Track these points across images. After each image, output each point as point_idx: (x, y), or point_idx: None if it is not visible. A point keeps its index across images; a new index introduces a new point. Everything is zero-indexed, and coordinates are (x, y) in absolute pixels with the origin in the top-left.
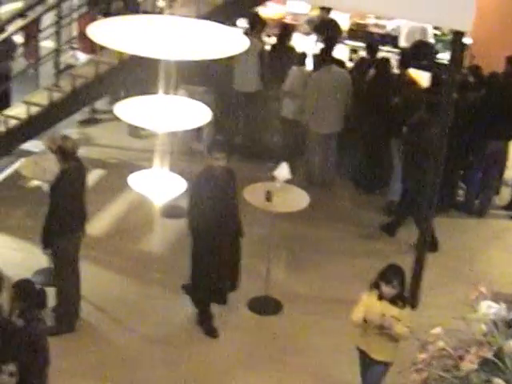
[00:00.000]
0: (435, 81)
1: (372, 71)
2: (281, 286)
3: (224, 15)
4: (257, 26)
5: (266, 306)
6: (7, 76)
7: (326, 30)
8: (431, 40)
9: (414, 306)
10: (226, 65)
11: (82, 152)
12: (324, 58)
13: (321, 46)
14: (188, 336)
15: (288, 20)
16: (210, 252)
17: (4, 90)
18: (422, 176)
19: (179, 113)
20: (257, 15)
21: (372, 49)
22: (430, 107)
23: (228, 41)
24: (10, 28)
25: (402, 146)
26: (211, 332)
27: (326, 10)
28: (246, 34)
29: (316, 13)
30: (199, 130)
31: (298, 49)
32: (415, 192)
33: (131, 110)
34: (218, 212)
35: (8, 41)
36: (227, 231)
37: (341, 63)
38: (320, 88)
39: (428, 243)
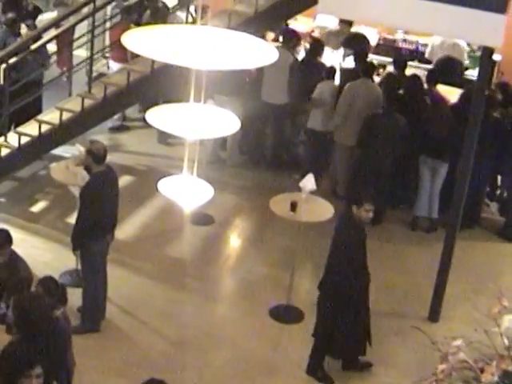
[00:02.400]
0: (465, 97)
1: (402, 89)
2: (303, 295)
3: (254, 27)
4: (289, 39)
5: (287, 314)
6: (39, 83)
7: (356, 44)
8: (465, 56)
9: (435, 319)
10: (256, 76)
11: (112, 158)
12: (358, 72)
13: (349, 60)
14: (211, 340)
15: (316, 34)
16: (351, 306)
17: (37, 97)
18: None
19: (208, 121)
20: (289, 28)
21: (400, 64)
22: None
23: (257, 52)
24: (45, 37)
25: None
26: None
27: (348, 23)
28: (277, 46)
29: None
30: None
31: (327, 62)
32: None
33: (162, 117)
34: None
35: (40, 50)
36: (365, 283)
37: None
38: (353, 100)
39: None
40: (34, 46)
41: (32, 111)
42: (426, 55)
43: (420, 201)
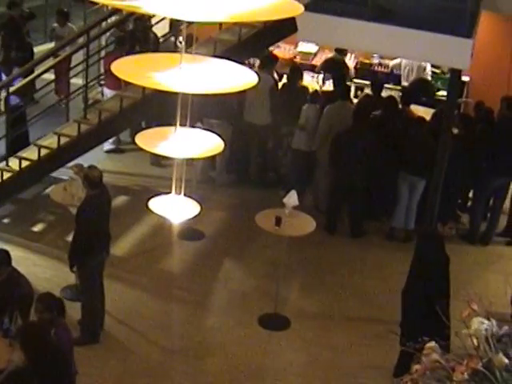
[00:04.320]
0: (437, 117)
1: (379, 111)
2: (290, 303)
3: (238, 54)
4: (267, 63)
5: (275, 322)
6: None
7: (335, 68)
8: (429, 78)
9: None
10: (240, 99)
11: (108, 179)
12: (337, 95)
13: (329, 83)
14: (204, 348)
15: (298, 59)
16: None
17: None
18: None
19: (195, 143)
20: (268, 53)
21: (376, 87)
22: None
23: (238, 77)
24: (42, 67)
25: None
26: None
27: (344, 52)
28: (257, 70)
29: (322, 52)
30: (215, 159)
31: (311, 87)
32: None
33: (151, 139)
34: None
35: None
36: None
37: (350, 100)
38: (332, 121)
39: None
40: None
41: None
42: (403, 80)
43: (397, 214)
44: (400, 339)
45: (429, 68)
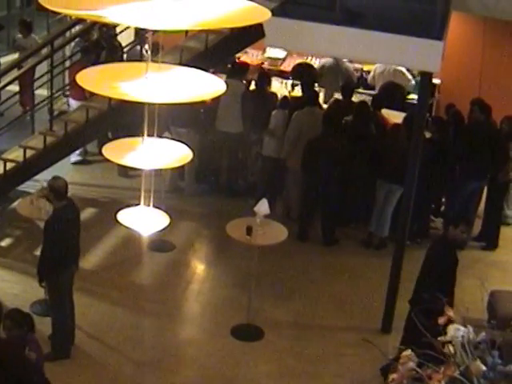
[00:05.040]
0: (408, 120)
1: (349, 117)
2: (262, 313)
3: (206, 62)
4: (238, 70)
5: (248, 333)
6: None
7: (303, 73)
8: (408, 81)
9: (387, 330)
10: (210, 107)
11: (75, 191)
12: (306, 100)
13: (297, 88)
14: (177, 361)
15: (267, 65)
16: None
17: None
18: None
19: (163, 153)
20: (237, 60)
21: (346, 91)
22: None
23: (206, 85)
24: (6, 79)
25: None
26: None
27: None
28: (227, 77)
29: (291, 58)
30: (183, 169)
31: (280, 92)
32: None
33: (118, 150)
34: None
35: None
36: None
37: (319, 105)
38: (301, 128)
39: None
40: None
41: None
42: (368, 81)
43: (373, 219)
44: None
45: (405, 72)
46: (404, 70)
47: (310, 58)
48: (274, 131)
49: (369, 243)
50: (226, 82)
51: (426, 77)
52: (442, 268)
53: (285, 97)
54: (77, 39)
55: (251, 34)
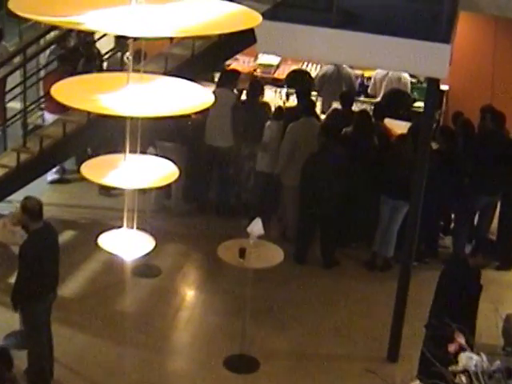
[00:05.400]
0: (414, 131)
1: (350, 128)
2: (258, 343)
3: (192, 70)
4: (229, 79)
5: (242, 364)
6: None
7: (299, 81)
8: (408, 88)
9: (394, 359)
10: (197, 120)
11: (52, 213)
12: (301, 110)
13: (292, 98)
14: None
15: (259, 73)
16: None
17: None
18: None
19: (147, 171)
20: (228, 68)
21: (346, 100)
22: None
23: (192, 96)
24: None
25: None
26: None
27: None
28: (217, 87)
29: (285, 64)
30: (170, 187)
31: (274, 102)
32: None
33: (98, 169)
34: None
35: None
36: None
37: (316, 116)
38: (296, 140)
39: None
40: None
41: None
42: (369, 90)
43: (377, 238)
44: None
45: (407, 78)
46: (406, 75)
47: (305, 64)
48: (267, 144)
49: (372, 264)
50: (215, 91)
51: (432, 83)
52: (466, 294)
53: (279, 107)
54: (52, 46)
55: (241, 40)
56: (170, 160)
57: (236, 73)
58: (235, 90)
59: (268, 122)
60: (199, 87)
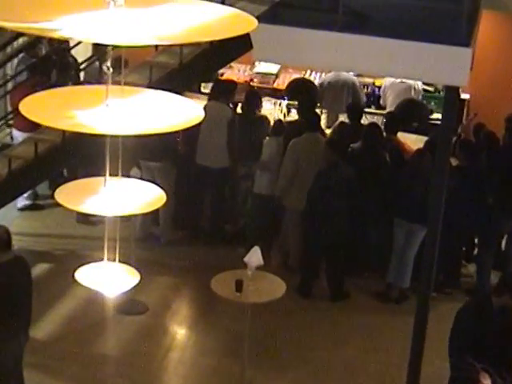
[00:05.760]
0: (431, 145)
1: (358, 143)
2: None
3: (181, 80)
4: (222, 91)
5: None
6: None
7: (301, 92)
8: (420, 98)
9: None
10: (188, 137)
11: (23, 244)
12: (304, 125)
13: (294, 111)
14: None
15: (256, 83)
16: None
17: None
18: None
19: (131, 195)
20: (221, 78)
21: (354, 112)
22: None
23: (180, 111)
24: None
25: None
26: None
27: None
28: (209, 100)
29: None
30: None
31: (273, 116)
32: None
33: (75, 194)
34: None
35: None
36: None
37: (321, 131)
38: (299, 158)
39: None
40: None
41: None
42: (381, 101)
43: (391, 266)
44: None
45: (420, 86)
46: (419, 83)
47: (308, 72)
48: (266, 163)
49: (386, 296)
50: (207, 105)
51: (451, 92)
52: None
53: (279, 121)
54: (20, 55)
55: (236, 46)
56: (157, 182)
57: (232, 84)
58: (230, 103)
59: (267, 138)
60: (188, 101)
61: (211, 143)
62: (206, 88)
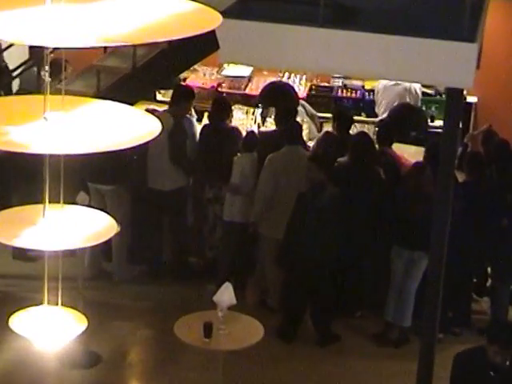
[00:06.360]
0: (432, 157)
1: (346, 157)
2: None
3: (135, 88)
4: (181, 101)
5: None
6: None
7: (278, 98)
8: (418, 103)
9: None
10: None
11: None
12: (283, 137)
13: (270, 120)
14: None
15: (225, 88)
16: None
17: None
18: None
19: (75, 225)
20: (180, 85)
21: (341, 120)
22: None
23: (132, 126)
24: None
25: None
26: None
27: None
28: (166, 111)
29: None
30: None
31: (245, 127)
32: None
33: (8, 226)
34: None
35: None
36: None
37: (302, 143)
38: (278, 177)
39: None
40: None
41: None
42: (376, 108)
43: (389, 302)
44: None
45: (417, 89)
46: (417, 86)
47: (286, 75)
48: (238, 184)
49: (384, 338)
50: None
51: (454, 95)
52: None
53: (252, 133)
54: None
55: (200, 46)
56: (108, 208)
57: (190, 92)
58: (193, 112)
59: (237, 155)
60: (141, 112)
61: (159, 162)
62: (166, 96)
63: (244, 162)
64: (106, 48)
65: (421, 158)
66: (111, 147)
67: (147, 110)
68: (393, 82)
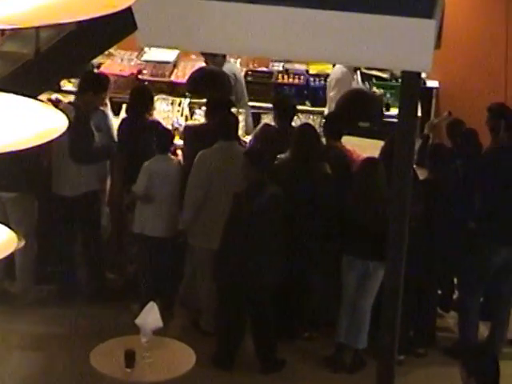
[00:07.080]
0: (389, 151)
1: (285, 154)
2: None
3: (38, 77)
4: (88, 90)
5: None
6: None
7: (209, 86)
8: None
9: None
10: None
11: None
12: (215, 131)
13: (200, 112)
14: None
15: (146, 76)
16: None
17: None
18: None
19: None
20: (91, 72)
21: (283, 110)
22: None
23: (34, 121)
24: None
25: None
26: None
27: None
28: (70, 103)
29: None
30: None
31: (168, 120)
32: None
33: None
34: None
35: None
36: None
37: (238, 139)
38: (211, 177)
39: None
40: None
41: None
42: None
43: (341, 322)
44: None
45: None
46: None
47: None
48: (142, 194)
49: (336, 362)
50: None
51: (410, 79)
52: None
53: (166, 130)
54: None
55: (114, 27)
56: (11, 219)
57: (104, 80)
58: (108, 104)
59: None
60: (45, 105)
61: (62, 162)
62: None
63: (156, 168)
64: (2, 31)
65: (376, 153)
66: (9, 147)
67: (50, 101)
68: (339, 66)
